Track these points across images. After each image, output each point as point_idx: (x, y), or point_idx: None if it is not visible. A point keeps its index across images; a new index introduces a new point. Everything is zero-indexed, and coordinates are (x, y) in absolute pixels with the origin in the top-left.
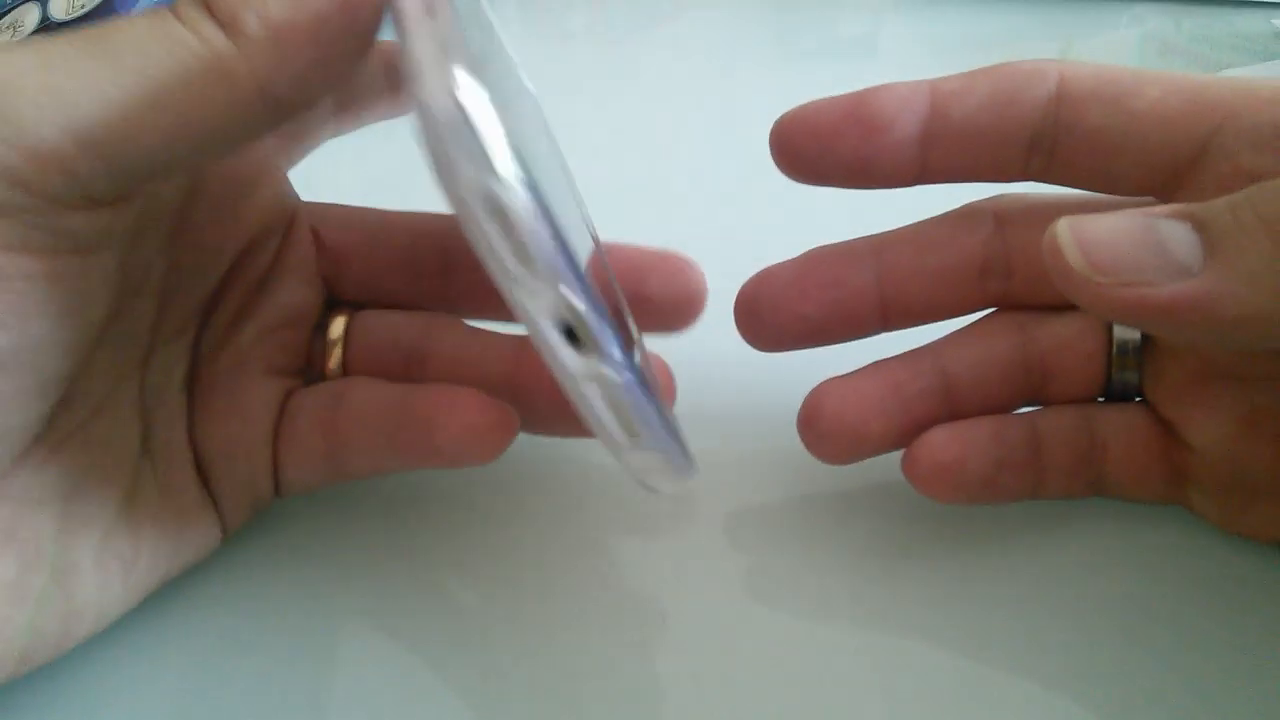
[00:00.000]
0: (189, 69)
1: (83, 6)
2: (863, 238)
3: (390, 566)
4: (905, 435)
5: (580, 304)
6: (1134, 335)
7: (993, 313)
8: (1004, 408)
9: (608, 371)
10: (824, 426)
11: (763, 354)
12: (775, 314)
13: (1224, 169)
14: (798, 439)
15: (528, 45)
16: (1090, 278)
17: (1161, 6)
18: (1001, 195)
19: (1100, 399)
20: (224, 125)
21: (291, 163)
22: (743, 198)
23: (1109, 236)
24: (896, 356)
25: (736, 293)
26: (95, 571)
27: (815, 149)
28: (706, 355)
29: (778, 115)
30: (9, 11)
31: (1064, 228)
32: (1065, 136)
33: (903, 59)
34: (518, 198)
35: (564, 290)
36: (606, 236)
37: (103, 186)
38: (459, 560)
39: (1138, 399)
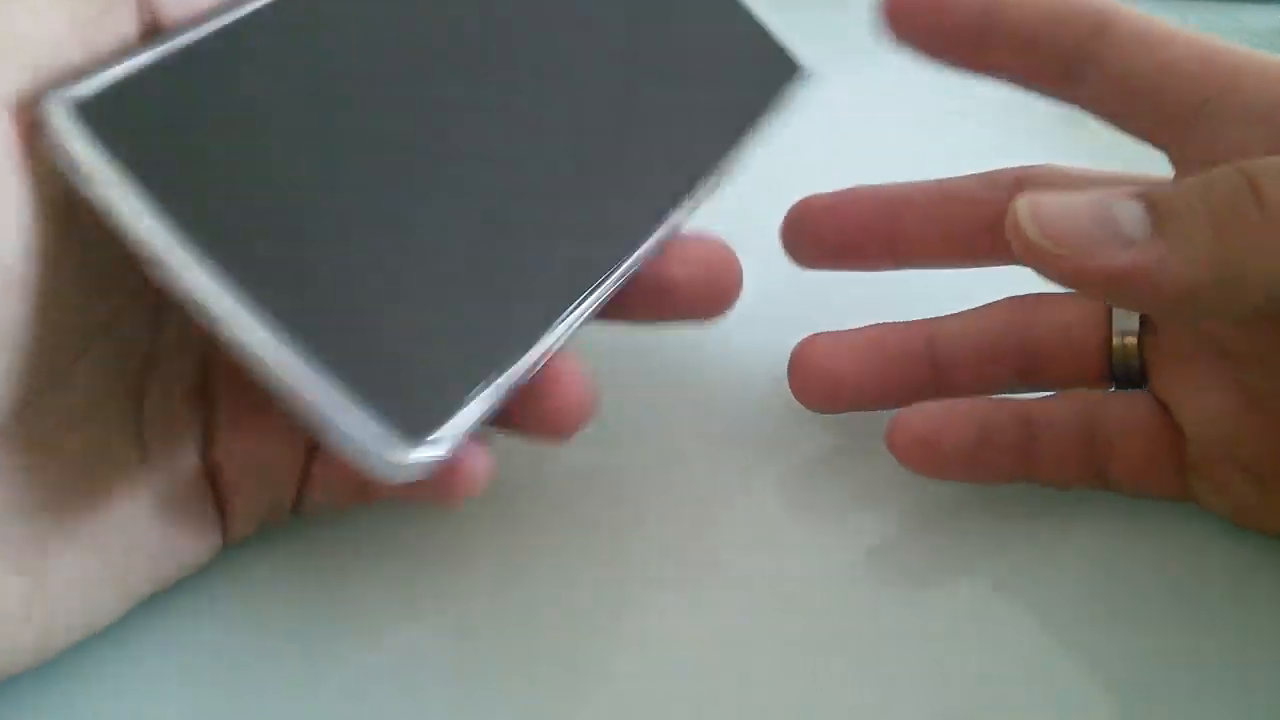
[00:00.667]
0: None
1: None
2: (894, 184)
3: (392, 571)
4: (885, 393)
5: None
6: (1133, 322)
7: (998, 300)
8: (998, 388)
9: None
10: (806, 371)
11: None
12: (813, 226)
13: (1212, 136)
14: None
15: None
16: (1046, 248)
17: (1167, 4)
18: (1028, 166)
19: (1111, 389)
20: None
21: None
22: (743, 196)
23: (1063, 211)
24: (891, 322)
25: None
26: (81, 581)
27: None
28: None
29: None
30: None
31: (1023, 204)
32: (1100, 67)
33: (904, 60)
34: None
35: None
36: None
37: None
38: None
39: (1143, 390)
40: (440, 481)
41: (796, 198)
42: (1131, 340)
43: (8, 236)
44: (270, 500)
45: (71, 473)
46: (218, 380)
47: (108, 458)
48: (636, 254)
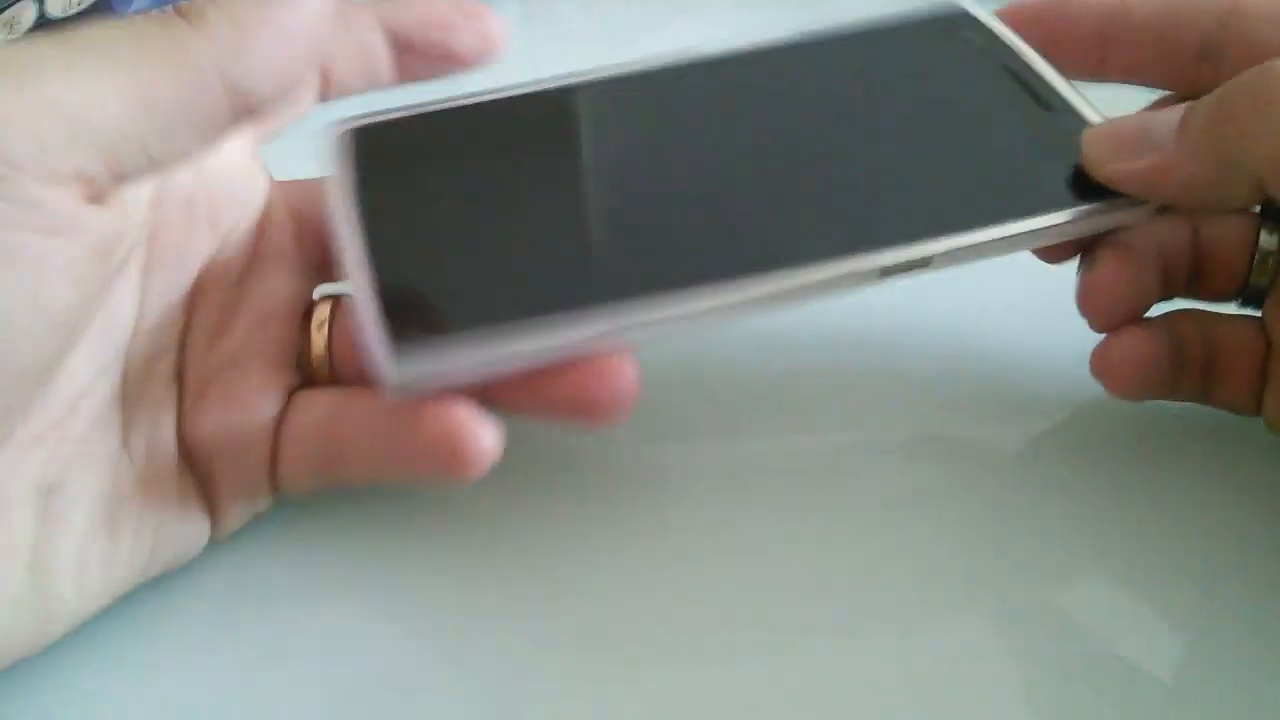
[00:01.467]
0: (160, 62)
1: (79, 4)
2: None
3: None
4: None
5: None
6: (1272, 243)
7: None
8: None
9: None
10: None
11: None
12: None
13: None
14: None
15: (527, 44)
16: (1093, 154)
17: None
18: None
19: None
20: (195, 118)
21: (264, 139)
22: None
23: (1111, 128)
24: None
25: None
26: (74, 569)
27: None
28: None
29: None
30: (6, 9)
31: (1087, 136)
32: (1233, 48)
33: None
34: None
35: None
36: None
37: (93, 176)
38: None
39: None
40: (444, 455)
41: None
42: (1270, 262)
43: (62, 294)
44: (243, 474)
45: (70, 456)
46: (185, 362)
47: (99, 440)
48: (733, 291)
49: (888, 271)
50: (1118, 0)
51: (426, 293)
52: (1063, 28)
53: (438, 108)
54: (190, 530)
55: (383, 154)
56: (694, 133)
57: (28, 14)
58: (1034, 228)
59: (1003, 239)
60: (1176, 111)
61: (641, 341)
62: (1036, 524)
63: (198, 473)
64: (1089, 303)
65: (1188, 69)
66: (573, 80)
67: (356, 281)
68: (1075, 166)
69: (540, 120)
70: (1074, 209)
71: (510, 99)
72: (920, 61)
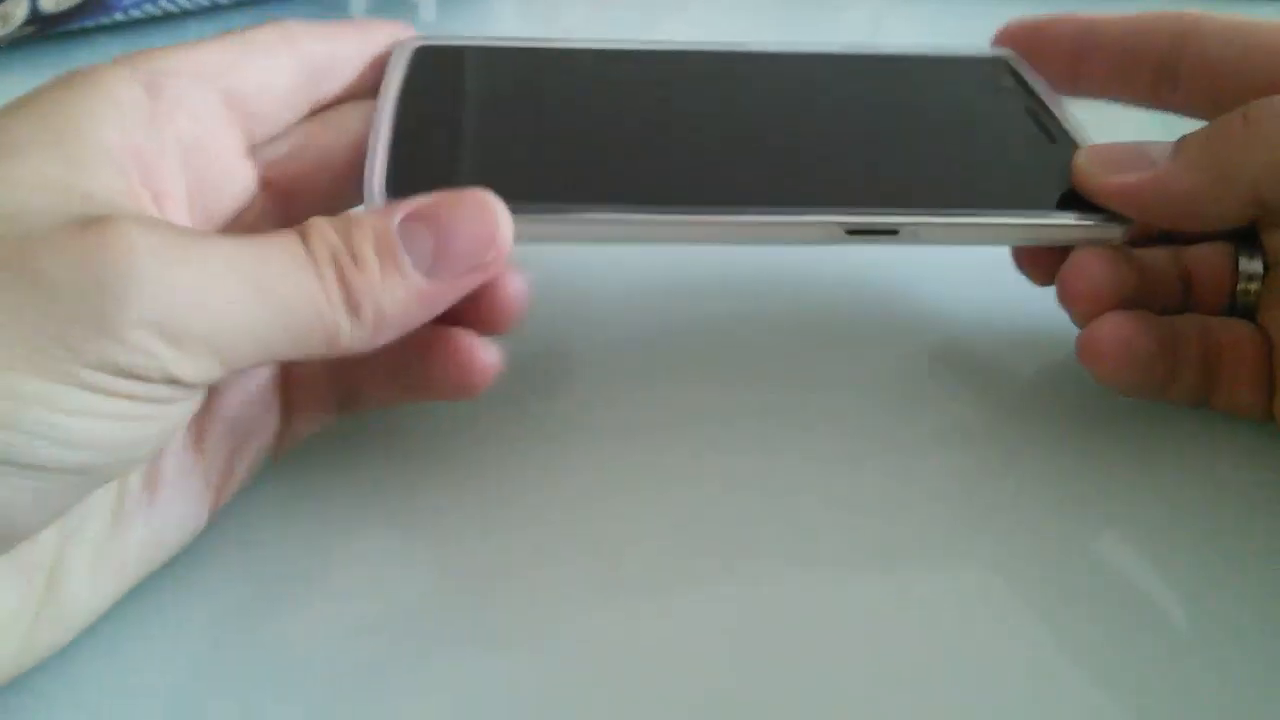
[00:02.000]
0: (307, 319)
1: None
2: (1090, 16)
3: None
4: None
5: None
6: (1253, 265)
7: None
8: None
9: None
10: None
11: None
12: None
13: None
14: None
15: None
16: (1085, 168)
17: (1174, 2)
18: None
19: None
20: (306, 355)
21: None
22: None
23: (1105, 148)
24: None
25: None
26: (88, 573)
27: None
28: None
29: None
30: None
31: (1081, 152)
32: (1188, 64)
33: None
34: None
35: None
36: None
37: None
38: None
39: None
40: (454, 369)
41: None
42: (1254, 278)
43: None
44: (258, 449)
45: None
46: None
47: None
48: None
49: (854, 231)
50: (1088, 19)
51: (428, 165)
52: (1043, 45)
53: (487, 44)
54: (197, 512)
55: (429, 68)
56: (724, 103)
57: (20, 8)
58: (1003, 222)
59: (970, 225)
60: (1171, 141)
61: (613, 240)
62: (1011, 465)
63: (207, 455)
64: (1068, 290)
65: (1150, 86)
66: (627, 45)
67: (374, 141)
68: (1061, 182)
69: (577, 69)
70: (1048, 213)
71: (559, 50)
72: (953, 83)
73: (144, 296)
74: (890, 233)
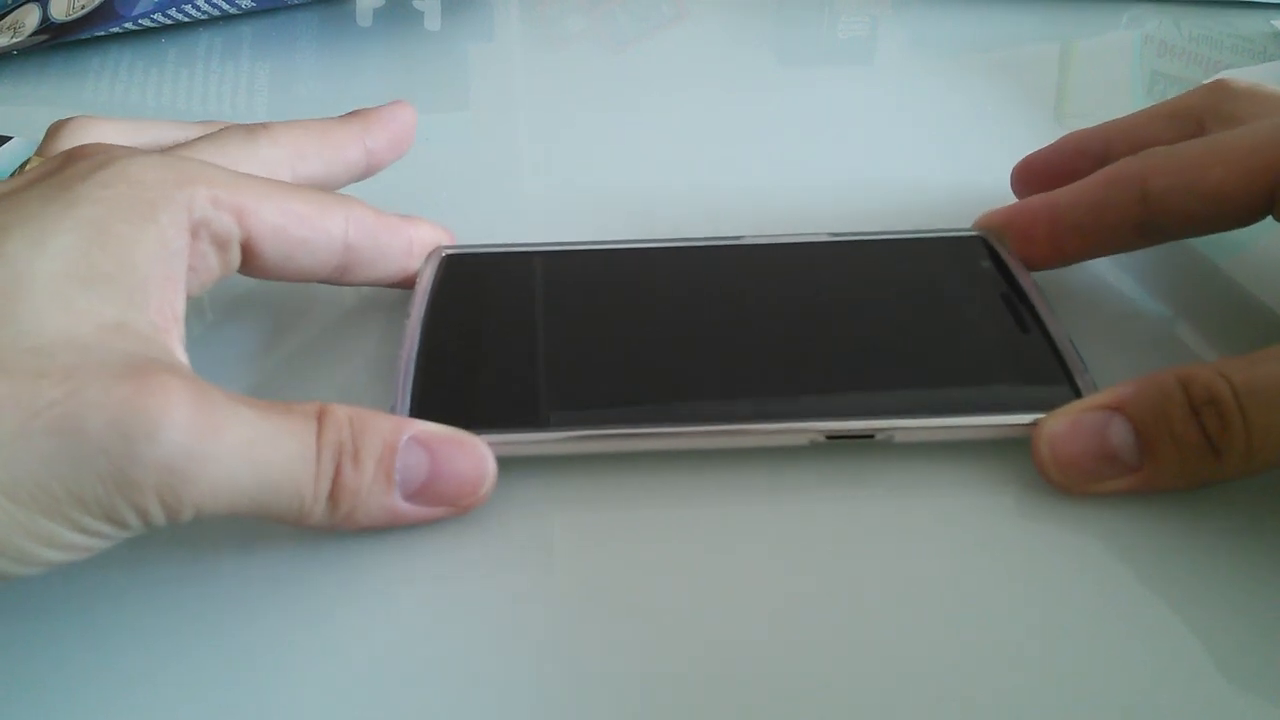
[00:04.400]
0: (288, 500)
1: (83, 7)
2: (1051, 199)
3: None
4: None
5: None
6: None
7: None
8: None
9: None
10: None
11: None
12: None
13: None
14: None
15: (527, 48)
16: (1063, 482)
17: (1161, 7)
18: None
19: None
20: (269, 519)
21: None
22: (740, 198)
23: (1068, 434)
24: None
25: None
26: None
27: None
28: None
29: (776, 118)
30: (10, 12)
31: (1038, 436)
32: (1158, 220)
33: (901, 62)
34: None
35: None
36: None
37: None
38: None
39: None
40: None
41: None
42: None
43: None
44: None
45: None
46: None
47: None
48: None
49: (834, 436)
50: (1050, 203)
51: (453, 386)
52: (1020, 231)
53: (509, 250)
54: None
55: (459, 275)
56: (716, 299)
57: (32, 17)
58: (976, 423)
59: (943, 428)
60: (1123, 423)
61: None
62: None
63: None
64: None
65: (1134, 241)
66: (630, 245)
67: (406, 350)
68: (1032, 379)
69: (587, 270)
70: (1019, 414)
71: (570, 252)
72: (932, 269)
73: (162, 469)
74: (866, 436)
